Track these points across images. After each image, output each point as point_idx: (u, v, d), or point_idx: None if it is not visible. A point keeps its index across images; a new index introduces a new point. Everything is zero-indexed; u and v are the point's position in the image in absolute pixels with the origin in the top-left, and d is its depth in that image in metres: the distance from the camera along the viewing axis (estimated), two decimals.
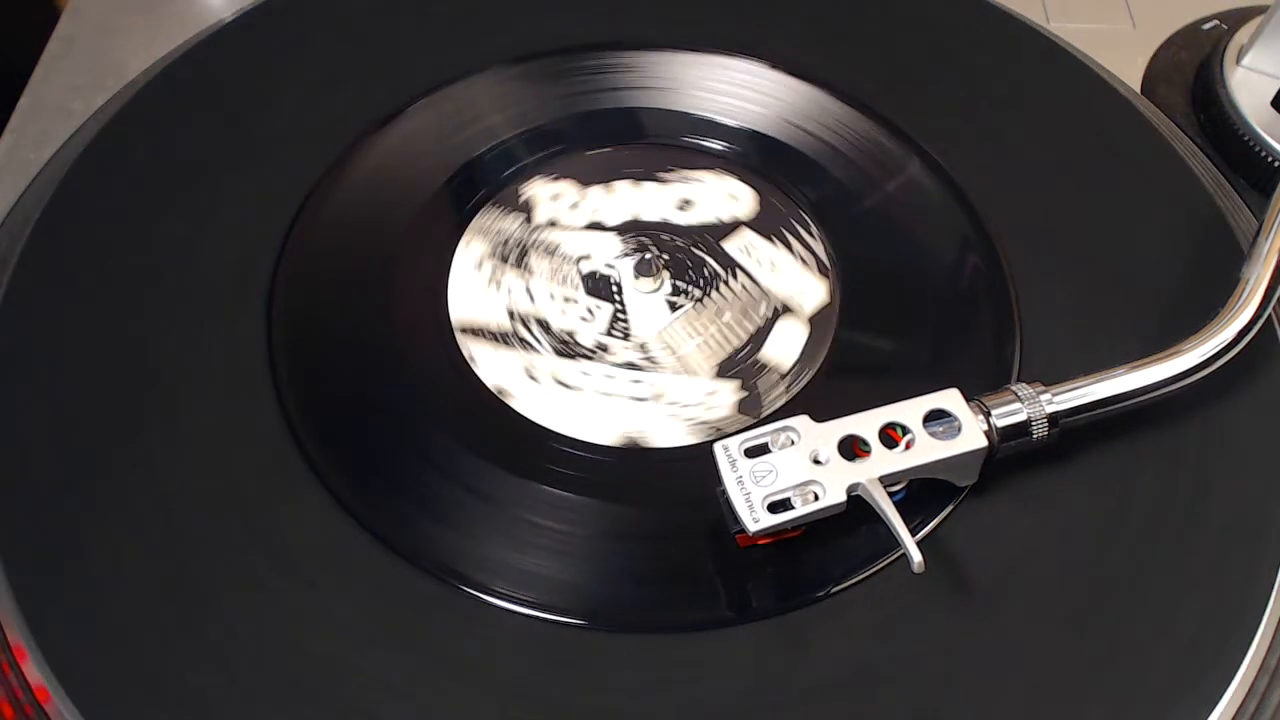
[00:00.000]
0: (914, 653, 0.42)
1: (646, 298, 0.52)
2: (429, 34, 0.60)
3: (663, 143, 0.57)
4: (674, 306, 0.52)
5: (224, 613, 0.41)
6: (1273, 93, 0.60)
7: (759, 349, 0.51)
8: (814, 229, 0.54)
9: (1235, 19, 0.65)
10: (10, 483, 0.44)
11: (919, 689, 0.41)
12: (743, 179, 0.56)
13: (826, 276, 0.53)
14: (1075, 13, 0.68)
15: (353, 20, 0.60)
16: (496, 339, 0.50)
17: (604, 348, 0.50)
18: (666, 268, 0.53)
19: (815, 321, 0.51)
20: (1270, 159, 0.58)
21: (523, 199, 0.54)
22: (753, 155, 0.57)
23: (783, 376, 0.50)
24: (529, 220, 0.53)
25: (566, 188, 0.55)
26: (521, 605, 0.42)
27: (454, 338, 0.50)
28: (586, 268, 0.53)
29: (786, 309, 0.52)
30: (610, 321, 0.51)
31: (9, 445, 0.45)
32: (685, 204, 0.55)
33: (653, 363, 0.50)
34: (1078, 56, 0.61)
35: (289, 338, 0.49)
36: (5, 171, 0.57)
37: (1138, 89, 0.63)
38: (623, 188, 0.55)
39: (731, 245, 0.54)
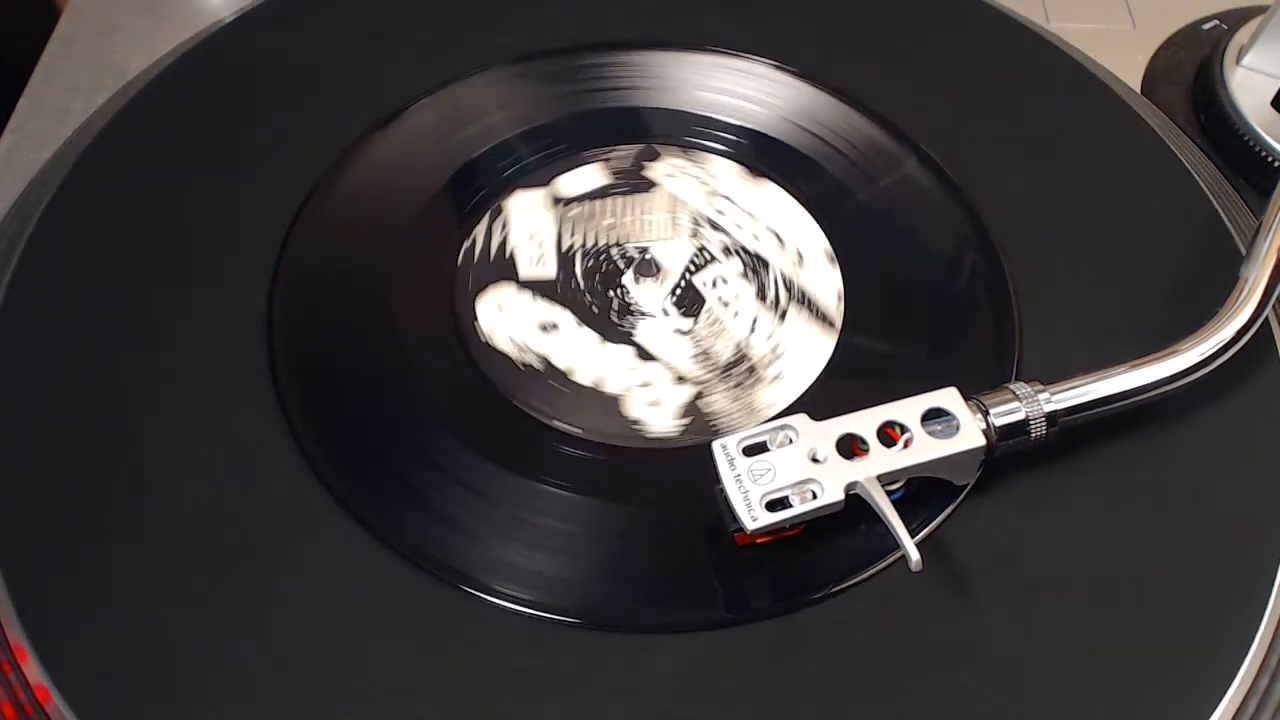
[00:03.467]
0: (912, 652, 0.42)
1: (673, 272, 0.53)
2: (429, 34, 0.60)
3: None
4: (648, 250, 0.54)
5: (222, 611, 0.41)
6: (1273, 93, 0.60)
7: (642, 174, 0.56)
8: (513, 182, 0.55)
9: (1235, 19, 0.65)
10: (10, 483, 0.44)
11: (918, 688, 0.41)
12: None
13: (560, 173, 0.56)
14: (1075, 13, 0.68)
15: (353, 20, 0.60)
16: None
17: (747, 248, 0.53)
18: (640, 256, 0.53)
19: (584, 156, 0.56)
20: (1270, 159, 0.58)
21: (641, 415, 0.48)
22: (752, 154, 0.57)
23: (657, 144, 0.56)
24: (666, 392, 0.49)
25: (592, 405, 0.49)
26: (520, 604, 0.42)
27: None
28: (679, 321, 0.51)
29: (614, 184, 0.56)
30: (709, 265, 0.52)
31: (8, 445, 0.45)
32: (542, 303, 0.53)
33: (722, 213, 0.54)
34: (1077, 57, 0.61)
35: (289, 337, 0.49)
36: (5, 171, 0.57)
37: (1138, 89, 0.63)
38: (548, 345, 0.50)
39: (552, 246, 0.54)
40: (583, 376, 0.49)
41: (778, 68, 0.59)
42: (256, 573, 0.42)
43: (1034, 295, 0.51)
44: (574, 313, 0.51)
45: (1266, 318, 0.46)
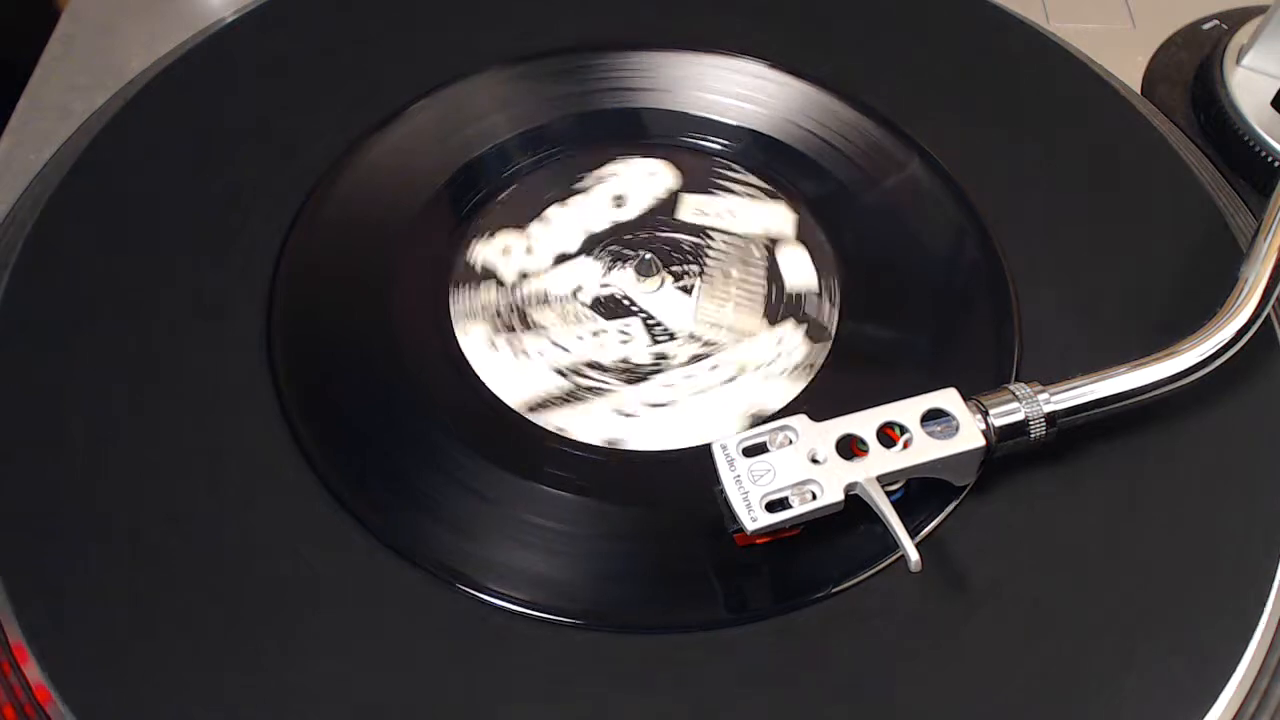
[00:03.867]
0: (912, 652, 0.42)
1: (658, 296, 0.52)
2: (429, 34, 0.60)
3: (558, 156, 0.57)
4: (687, 290, 0.52)
5: (223, 612, 0.41)
6: (1273, 93, 0.60)
7: (782, 283, 0.52)
8: (736, 165, 0.55)
9: (1235, 19, 0.65)
10: (9, 484, 0.44)
11: (917, 689, 0.41)
12: (646, 154, 0.56)
13: (779, 198, 0.54)
14: (1075, 13, 0.68)
15: (353, 20, 0.61)
16: (569, 400, 0.48)
17: (664, 355, 0.50)
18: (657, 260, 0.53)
19: (803, 238, 0.53)
20: (1270, 159, 0.58)
21: (480, 267, 0.52)
22: (753, 155, 0.57)
23: (819, 294, 0.52)
24: (501, 284, 0.52)
25: (510, 238, 0.54)
26: (520, 604, 0.42)
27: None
28: (588, 297, 0.52)
29: (774, 240, 0.53)
30: (648, 331, 0.51)
31: (8, 444, 0.45)
32: (619, 200, 0.55)
33: (714, 344, 0.50)
34: (1078, 56, 0.61)
35: (289, 338, 0.49)
36: (5, 171, 0.57)
37: (1138, 89, 0.63)
38: (555, 213, 0.55)
39: (685, 214, 0.54)
40: (508, 276, 0.52)
41: (777, 68, 0.59)
42: (256, 572, 0.42)
43: (1034, 295, 0.51)
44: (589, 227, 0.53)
45: (1267, 318, 0.46)
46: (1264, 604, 0.43)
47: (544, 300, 0.51)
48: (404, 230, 0.53)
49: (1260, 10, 0.64)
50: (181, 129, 0.55)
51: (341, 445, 0.46)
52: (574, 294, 0.52)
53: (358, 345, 0.49)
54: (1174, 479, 0.46)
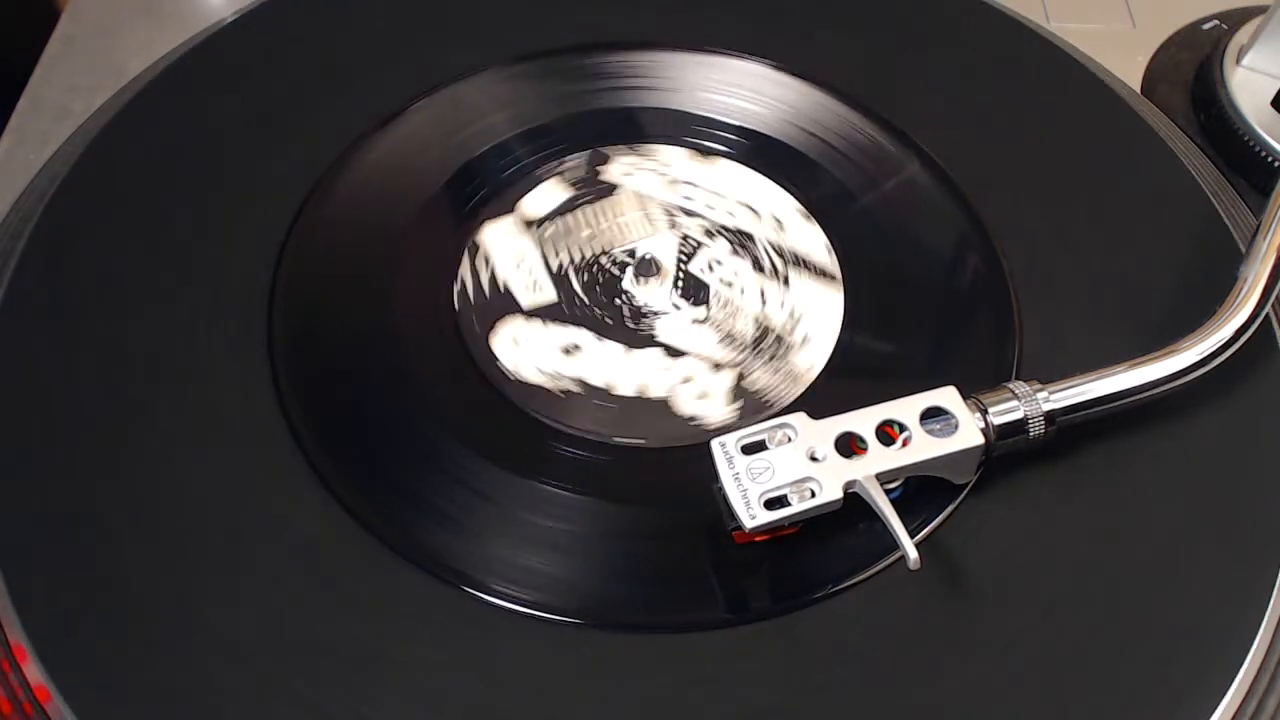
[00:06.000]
0: (912, 651, 0.42)
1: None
2: (429, 34, 0.60)
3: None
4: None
5: (223, 612, 0.41)
6: (1273, 93, 0.60)
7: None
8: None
9: (1235, 19, 0.65)
10: (10, 482, 0.44)
11: (917, 688, 0.41)
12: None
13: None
14: (1075, 13, 0.68)
15: (352, 20, 0.61)
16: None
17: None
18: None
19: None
20: (1270, 159, 0.58)
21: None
22: (753, 155, 0.57)
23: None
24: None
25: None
26: (520, 604, 0.42)
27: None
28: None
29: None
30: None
31: (9, 444, 0.45)
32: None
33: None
34: (1077, 57, 0.61)
35: (289, 338, 0.49)
36: (5, 171, 0.57)
37: (1138, 89, 0.63)
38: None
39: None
40: (624, 388, 0.49)
41: (778, 68, 0.59)
42: (257, 572, 0.42)
43: (1034, 295, 0.51)
44: (590, 329, 0.51)
45: (1266, 316, 0.46)
46: (1265, 603, 0.43)
47: (710, 343, 0.50)
48: (405, 229, 0.53)
49: (1260, 10, 0.64)
50: (181, 129, 0.55)
51: (342, 445, 0.46)
52: (697, 322, 0.51)
53: (358, 345, 0.49)
54: (1174, 478, 0.46)
